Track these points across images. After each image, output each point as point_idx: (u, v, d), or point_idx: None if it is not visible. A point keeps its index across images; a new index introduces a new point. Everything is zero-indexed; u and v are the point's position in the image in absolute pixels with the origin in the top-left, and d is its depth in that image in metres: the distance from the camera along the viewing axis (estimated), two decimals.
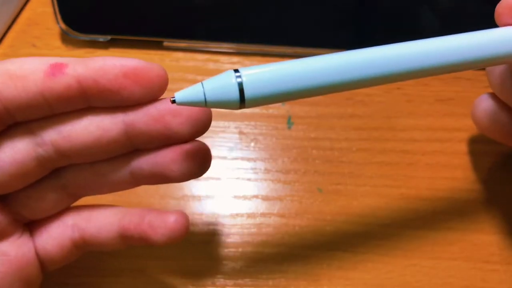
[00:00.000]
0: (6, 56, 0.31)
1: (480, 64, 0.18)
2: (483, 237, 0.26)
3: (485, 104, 0.25)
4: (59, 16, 0.30)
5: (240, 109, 0.17)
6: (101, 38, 0.31)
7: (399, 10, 0.31)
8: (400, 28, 0.31)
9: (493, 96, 0.25)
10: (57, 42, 0.32)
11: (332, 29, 0.31)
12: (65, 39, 0.32)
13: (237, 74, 0.16)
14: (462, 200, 0.27)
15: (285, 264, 0.25)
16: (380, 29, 0.31)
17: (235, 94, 0.16)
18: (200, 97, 0.16)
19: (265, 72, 0.17)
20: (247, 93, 0.16)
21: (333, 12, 0.31)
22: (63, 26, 0.31)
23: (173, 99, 0.17)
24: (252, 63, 0.31)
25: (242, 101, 0.16)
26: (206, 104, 0.16)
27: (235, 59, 0.31)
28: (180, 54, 0.32)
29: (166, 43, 0.31)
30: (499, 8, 0.19)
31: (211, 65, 0.31)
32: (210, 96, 0.16)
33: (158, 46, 0.31)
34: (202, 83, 0.16)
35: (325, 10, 0.31)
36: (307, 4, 0.31)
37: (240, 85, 0.16)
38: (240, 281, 0.25)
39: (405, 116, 0.30)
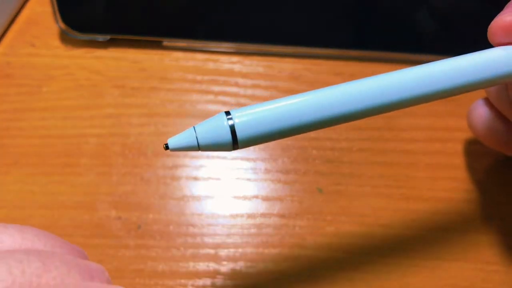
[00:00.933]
0: (5, 55, 0.31)
1: (475, 87, 0.18)
2: (484, 238, 0.26)
3: (480, 110, 0.25)
4: (58, 16, 0.30)
5: (233, 150, 0.17)
6: (101, 38, 0.31)
7: (398, 10, 0.31)
8: (398, 28, 0.31)
9: (489, 102, 0.24)
10: (56, 42, 0.32)
11: (332, 28, 0.31)
12: (65, 38, 0.32)
13: (229, 116, 0.17)
14: (463, 201, 0.27)
15: (285, 265, 0.25)
16: (379, 28, 0.31)
17: (227, 136, 0.17)
18: (193, 141, 0.17)
19: (256, 113, 0.17)
20: (240, 135, 0.17)
21: (333, 11, 0.31)
22: (62, 25, 0.30)
23: (166, 145, 0.17)
24: (252, 62, 0.31)
25: (235, 142, 0.17)
26: (199, 149, 0.17)
27: (234, 58, 0.31)
28: (179, 54, 0.31)
29: (166, 42, 0.31)
30: (492, 28, 0.19)
31: (211, 65, 0.31)
32: (203, 140, 0.17)
33: (158, 45, 0.31)
34: (194, 128, 0.17)
35: (325, 9, 0.31)
36: (307, 3, 0.30)
37: (232, 127, 0.17)
38: (240, 282, 0.25)
39: (406, 116, 0.30)
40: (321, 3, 0.31)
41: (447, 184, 0.28)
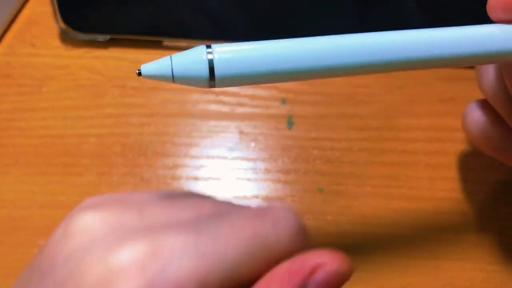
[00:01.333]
0: (5, 55, 0.31)
1: (470, 61, 0.18)
2: (484, 238, 0.26)
3: (474, 115, 0.24)
4: (58, 16, 0.30)
5: (210, 88, 0.16)
6: (101, 38, 0.31)
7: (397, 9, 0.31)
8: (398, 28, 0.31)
9: (483, 106, 0.24)
10: (56, 42, 0.31)
11: (332, 28, 0.31)
12: (65, 38, 0.31)
13: (209, 50, 0.15)
14: (463, 200, 0.27)
15: None
16: (379, 28, 0.31)
17: (205, 71, 0.15)
18: (167, 71, 0.15)
19: (240, 51, 0.16)
20: (218, 71, 0.15)
21: (333, 11, 0.31)
22: (62, 25, 0.30)
23: (139, 71, 0.16)
24: None
25: (212, 79, 0.15)
26: (173, 79, 0.16)
27: None
28: None
29: (166, 42, 0.31)
30: (491, 2, 0.19)
31: None
32: (178, 71, 0.15)
33: (158, 45, 0.31)
34: (171, 57, 0.16)
35: (325, 9, 0.31)
36: (307, 3, 0.30)
37: (211, 63, 0.15)
38: None
39: (406, 116, 0.30)
40: (321, 3, 0.30)
41: (447, 184, 0.28)
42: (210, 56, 0.15)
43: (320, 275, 0.15)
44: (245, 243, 0.14)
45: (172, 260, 0.14)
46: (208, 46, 0.16)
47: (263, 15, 0.31)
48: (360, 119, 0.30)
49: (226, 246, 0.14)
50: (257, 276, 0.15)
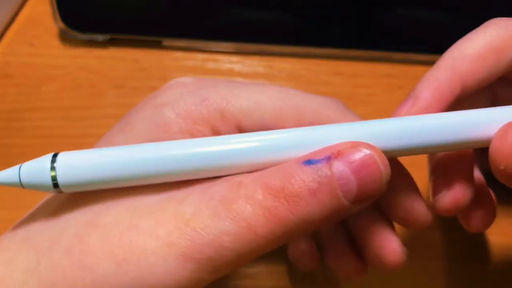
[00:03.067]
0: (5, 55, 0.31)
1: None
2: (484, 238, 0.26)
3: None
4: (58, 15, 0.30)
5: (58, 193, 0.17)
6: (100, 38, 0.31)
7: (397, 9, 0.31)
8: (398, 28, 0.31)
9: None
10: (56, 41, 0.31)
11: (332, 28, 0.31)
12: (64, 38, 0.31)
13: (55, 158, 0.16)
14: None
15: (285, 265, 0.25)
16: (379, 28, 0.31)
17: (47, 179, 0.16)
18: (15, 179, 0.16)
19: (83, 156, 0.16)
20: (60, 179, 0.16)
21: (334, 11, 0.31)
22: (62, 25, 0.30)
23: None
24: (252, 62, 0.31)
25: (57, 186, 0.16)
26: (22, 186, 0.16)
27: (234, 58, 0.31)
28: (179, 54, 0.31)
29: (166, 42, 0.31)
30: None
31: (211, 65, 0.31)
32: (25, 182, 0.16)
33: (158, 45, 0.31)
34: (20, 166, 0.16)
35: (325, 9, 0.31)
36: (307, 3, 0.30)
37: (53, 170, 0.16)
38: (240, 282, 0.25)
39: None
40: (321, 3, 0.30)
41: None
42: (54, 164, 0.16)
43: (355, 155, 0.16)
44: None
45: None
46: (55, 155, 0.16)
47: (263, 15, 0.31)
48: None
49: None
50: None
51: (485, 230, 0.21)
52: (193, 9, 0.30)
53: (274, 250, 0.26)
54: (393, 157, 0.18)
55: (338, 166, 0.15)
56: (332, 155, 0.16)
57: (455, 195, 0.19)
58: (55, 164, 0.16)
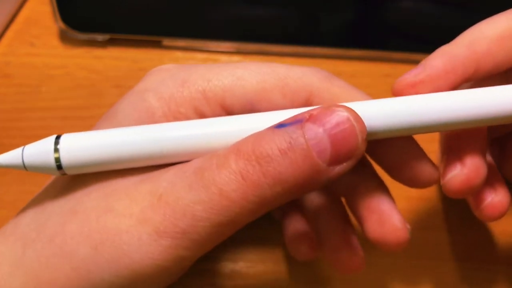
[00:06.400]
0: (5, 55, 0.31)
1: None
2: (486, 238, 0.26)
3: None
4: (58, 15, 0.30)
5: (62, 175, 0.17)
6: (100, 37, 0.31)
7: (398, 9, 0.31)
8: (398, 27, 0.31)
9: None
10: (56, 41, 0.31)
11: (332, 28, 0.31)
12: (64, 38, 0.31)
13: (58, 140, 0.16)
14: (464, 201, 0.27)
15: (285, 266, 0.25)
16: (379, 28, 0.31)
17: (51, 161, 0.16)
18: (18, 161, 0.16)
19: (84, 139, 0.16)
20: (64, 161, 0.16)
21: (334, 11, 0.31)
22: (61, 25, 0.30)
23: None
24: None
25: (60, 168, 0.16)
26: (26, 168, 0.16)
27: (235, 58, 0.31)
28: (179, 54, 0.31)
29: (165, 42, 0.31)
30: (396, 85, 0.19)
31: None
32: (28, 163, 0.16)
33: (157, 45, 0.31)
34: (23, 148, 0.16)
35: (325, 9, 0.31)
36: (307, 2, 0.30)
37: (57, 152, 0.16)
38: (239, 282, 0.25)
39: None
40: (321, 3, 0.30)
41: None
42: (57, 146, 0.16)
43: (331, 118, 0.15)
44: None
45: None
46: (58, 137, 0.16)
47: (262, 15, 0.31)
48: None
49: None
50: None
51: (498, 218, 0.20)
52: (193, 9, 0.30)
53: (274, 250, 0.26)
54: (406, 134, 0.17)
55: (310, 127, 0.15)
56: (303, 118, 0.15)
57: (468, 174, 0.18)
58: (58, 146, 0.16)
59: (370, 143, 0.17)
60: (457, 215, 0.27)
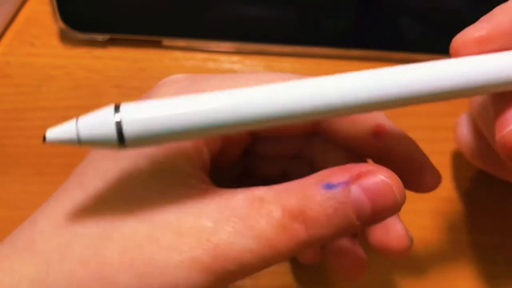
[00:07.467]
0: (5, 55, 0.31)
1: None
2: (486, 238, 0.26)
3: (463, 128, 0.24)
4: (58, 15, 0.30)
5: (120, 150, 0.15)
6: (100, 37, 0.31)
7: (398, 9, 0.31)
8: (398, 27, 0.31)
9: (471, 119, 0.24)
10: (56, 41, 0.31)
11: (332, 28, 0.31)
12: (64, 38, 0.31)
13: (118, 110, 0.14)
14: (464, 201, 0.27)
15: (285, 266, 0.25)
16: (379, 28, 0.31)
17: (112, 134, 0.14)
18: (72, 134, 0.14)
19: (151, 108, 0.14)
20: (127, 133, 0.14)
21: (333, 10, 0.31)
22: (61, 25, 0.30)
23: (44, 136, 0.14)
24: (252, 62, 0.31)
25: (122, 142, 0.14)
26: (80, 144, 0.14)
27: (235, 58, 0.31)
28: (179, 53, 0.31)
29: (165, 42, 0.31)
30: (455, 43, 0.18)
31: (211, 64, 0.31)
32: (84, 136, 0.14)
33: (157, 45, 0.31)
34: (76, 119, 0.14)
35: (325, 8, 0.31)
36: (307, 2, 0.30)
37: (119, 124, 0.14)
38: (239, 282, 0.25)
39: (406, 115, 0.30)
40: (321, 3, 0.30)
41: (447, 184, 0.28)
42: (118, 117, 0.14)
43: (368, 179, 0.16)
44: None
45: None
46: (117, 107, 0.14)
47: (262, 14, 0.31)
48: None
49: None
50: None
51: None
52: (193, 9, 0.30)
53: None
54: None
55: (355, 192, 0.16)
56: (350, 179, 0.16)
57: None
58: (119, 115, 0.14)
59: (372, 148, 0.17)
60: (459, 215, 0.27)
